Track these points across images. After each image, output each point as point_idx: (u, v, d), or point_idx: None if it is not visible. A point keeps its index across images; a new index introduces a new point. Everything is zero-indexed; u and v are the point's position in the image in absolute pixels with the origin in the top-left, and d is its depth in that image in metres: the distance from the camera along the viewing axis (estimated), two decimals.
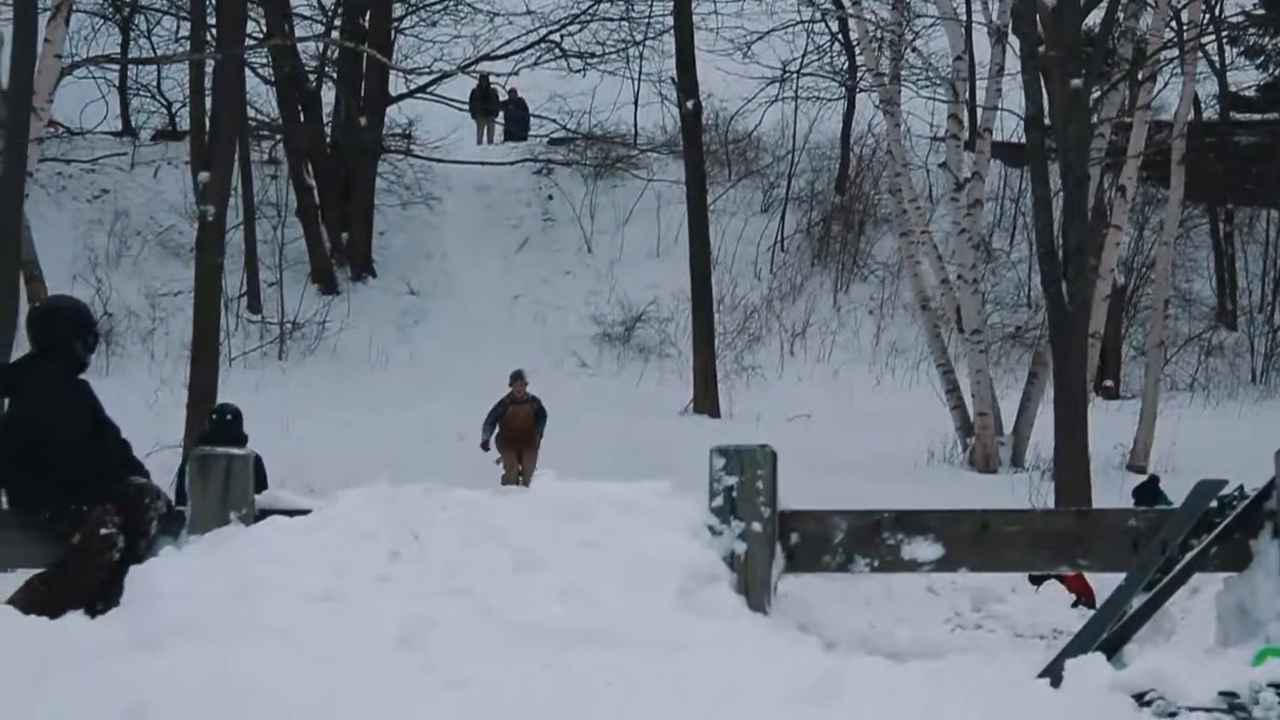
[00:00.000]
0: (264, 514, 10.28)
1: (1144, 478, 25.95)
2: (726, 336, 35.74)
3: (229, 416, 21.68)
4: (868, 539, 10.48)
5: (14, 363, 14.60)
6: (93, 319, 12.12)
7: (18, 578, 11.25)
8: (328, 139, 39.31)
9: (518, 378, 28.09)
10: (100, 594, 10.45)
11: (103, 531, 10.64)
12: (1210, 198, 40.22)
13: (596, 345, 36.48)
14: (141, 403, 23.91)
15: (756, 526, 10.00)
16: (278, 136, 39.28)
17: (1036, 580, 14.77)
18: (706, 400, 33.83)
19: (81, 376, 11.63)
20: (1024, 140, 32.16)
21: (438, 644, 8.31)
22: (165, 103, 43.90)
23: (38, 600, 10.32)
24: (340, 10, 39.07)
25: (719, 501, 10.05)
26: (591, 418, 28.72)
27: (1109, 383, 34.73)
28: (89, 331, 11.77)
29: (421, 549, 9.31)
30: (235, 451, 10.75)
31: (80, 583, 10.63)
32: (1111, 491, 26.28)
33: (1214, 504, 10.26)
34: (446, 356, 34.00)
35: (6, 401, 12.37)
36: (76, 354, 11.55)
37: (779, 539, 10.17)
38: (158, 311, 34.05)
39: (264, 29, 35.94)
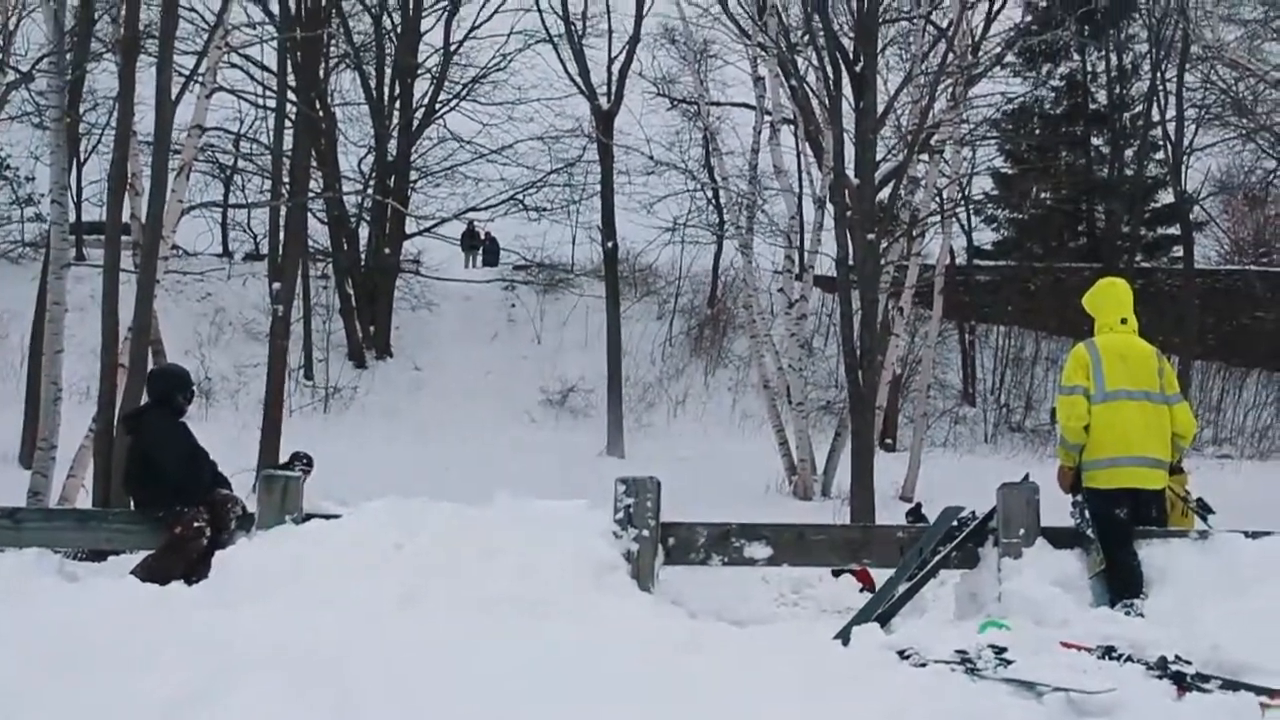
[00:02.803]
0: (309, 517, 10.27)
1: (911, 504, 25.93)
2: (630, 403, 35.65)
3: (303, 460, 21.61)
4: (721, 542, 10.49)
5: (136, 410, 14.66)
6: (189, 381, 12.29)
7: (137, 558, 11.22)
8: (362, 262, 39.24)
9: None
10: (194, 570, 10.43)
11: (195, 525, 10.71)
12: (959, 316, 40.34)
13: (542, 408, 36.32)
14: (228, 440, 23.69)
15: (645, 533, 10.00)
16: (328, 259, 39.16)
17: (836, 573, 14.74)
18: (616, 446, 33.88)
19: (182, 420, 11.77)
20: (835, 274, 32.19)
21: (426, 606, 8.31)
22: (252, 234, 43.73)
23: (150, 572, 10.38)
24: (374, 175, 38.98)
25: (620, 515, 10.04)
26: (537, 457, 28.63)
27: (889, 440, 34.73)
28: (186, 389, 12.06)
29: (417, 542, 9.31)
30: (290, 474, 10.79)
31: (179, 560, 10.70)
32: (888, 513, 26.31)
33: (955, 523, 10.30)
34: (440, 413, 33.84)
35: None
36: (177, 404, 11.74)
37: (660, 542, 10.17)
38: (241, 377, 33.84)
39: (321, 185, 35.85)
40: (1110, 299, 10.51)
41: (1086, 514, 10.02)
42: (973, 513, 10.39)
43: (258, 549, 9.64)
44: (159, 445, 11.54)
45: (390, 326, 39.12)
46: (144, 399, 14.84)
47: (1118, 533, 9.88)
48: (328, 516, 10.30)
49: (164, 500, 11.14)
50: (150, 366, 21.90)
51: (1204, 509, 11.35)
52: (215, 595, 8.68)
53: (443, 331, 40.06)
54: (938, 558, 10.13)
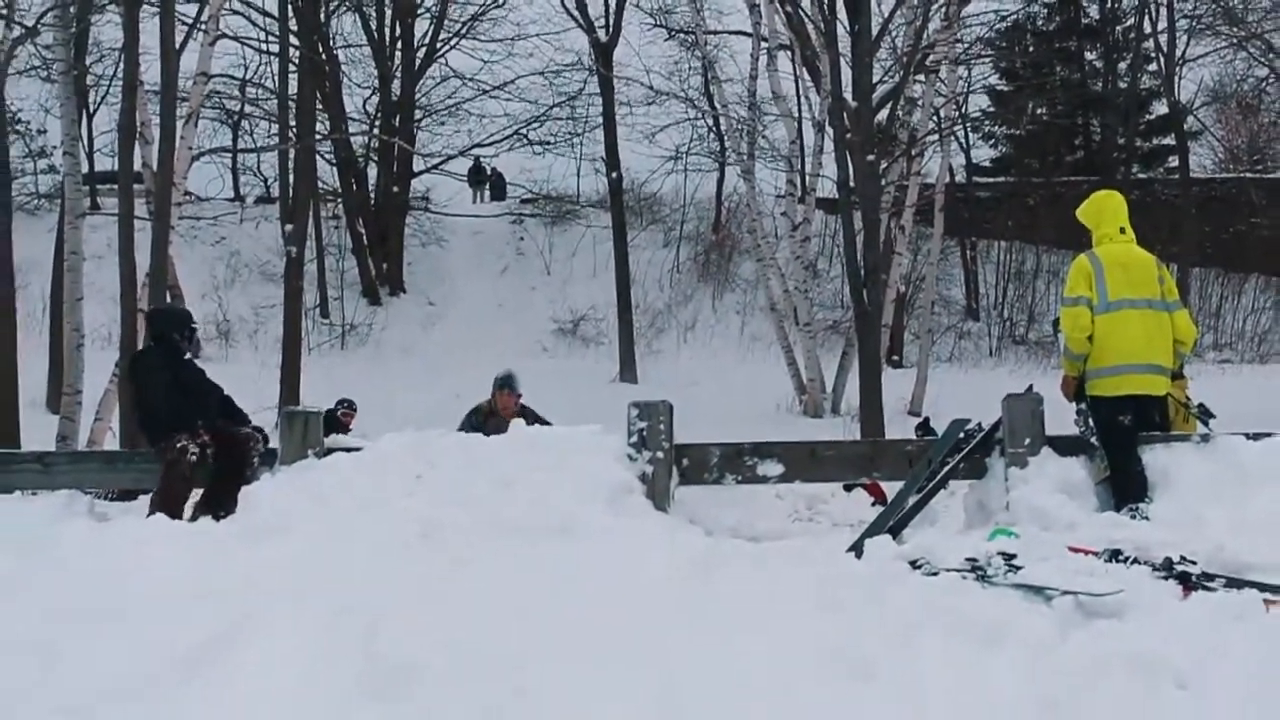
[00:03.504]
0: (330, 451, 10.31)
1: (920, 418, 25.97)
2: (641, 330, 35.65)
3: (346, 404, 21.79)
4: (734, 461, 10.51)
5: (136, 351, 14.77)
6: (185, 318, 12.23)
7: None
8: (372, 201, 39.20)
9: (506, 386, 15.62)
10: (215, 498, 10.54)
11: (178, 446, 10.69)
12: (960, 233, 40.30)
13: (554, 337, 36.40)
14: (250, 379, 23.74)
15: (659, 455, 10.05)
16: (339, 200, 39.14)
17: (848, 488, 14.77)
18: (628, 372, 33.90)
19: (186, 357, 11.78)
20: (837, 196, 32.15)
21: (446, 535, 8.35)
22: (262, 178, 43.86)
23: (157, 501, 10.47)
24: (380, 114, 38.87)
25: (634, 439, 10.08)
26: (551, 386, 28.57)
27: (895, 357, 34.75)
28: (182, 326, 11.96)
29: (435, 473, 9.34)
30: (310, 409, 10.80)
31: (176, 483, 10.71)
32: (897, 428, 26.38)
33: (962, 435, 10.32)
34: (453, 346, 33.88)
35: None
36: (173, 342, 11.72)
37: (674, 463, 10.21)
38: (259, 318, 33.89)
39: (328, 127, 35.78)
40: (1107, 210, 10.48)
41: (1090, 421, 10.03)
42: (979, 424, 10.41)
43: (281, 484, 9.68)
44: (146, 382, 11.62)
45: (403, 263, 39.13)
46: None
47: (1122, 439, 9.89)
48: (348, 449, 10.33)
49: (154, 433, 11.20)
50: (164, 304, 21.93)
51: (1205, 414, 11.35)
52: (242, 529, 8.70)
53: (454, 266, 40.08)
54: (946, 469, 10.16)
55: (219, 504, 10.35)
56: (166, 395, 11.25)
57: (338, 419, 20.95)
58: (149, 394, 11.52)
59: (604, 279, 36.31)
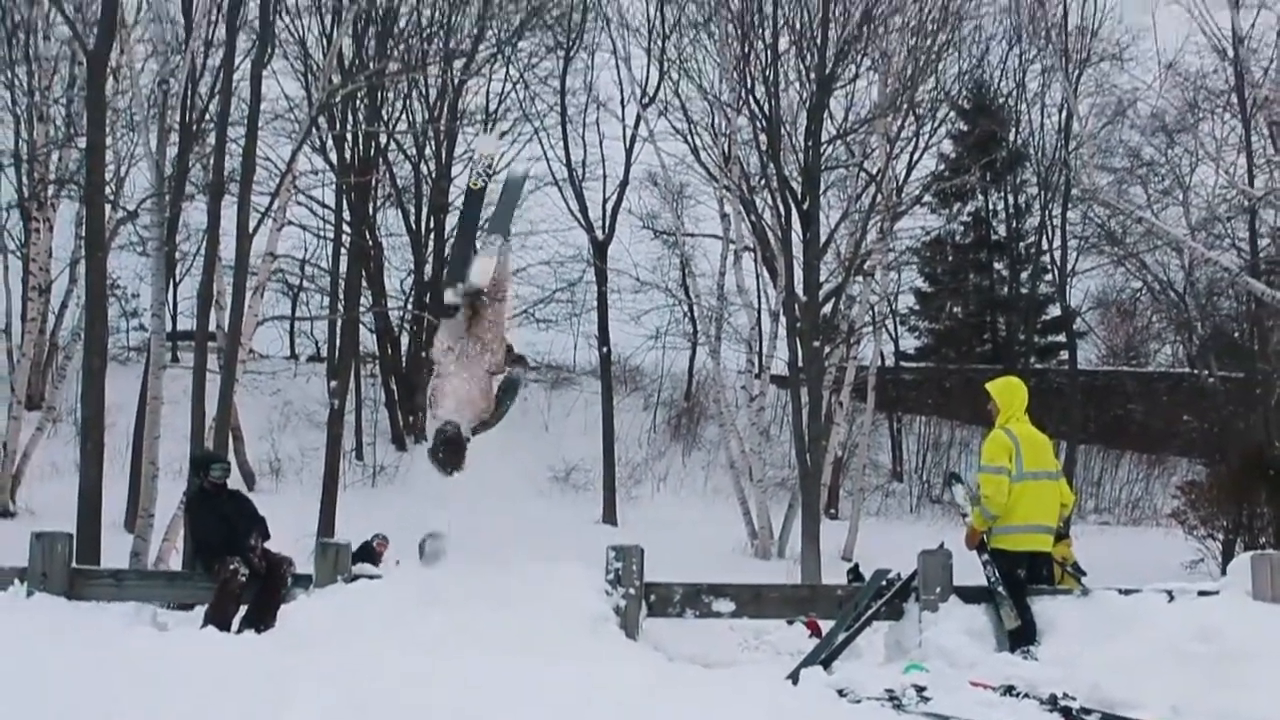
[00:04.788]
0: (356, 577, 10.24)
1: (851, 564, 25.88)
2: (621, 480, 35.52)
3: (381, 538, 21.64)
4: (693, 599, 10.44)
5: (193, 491, 14.96)
6: (205, 459, 12.52)
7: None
8: (404, 363, 39.23)
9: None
10: (257, 615, 10.42)
11: (231, 568, 10.58)
12: (889, 408, 40.37)
13: (549, 483, 36.19)
14: (296, 508, 23.64)
15: (631, 591, 9.97)
16: (376, 361, 39.16)
17: (790, 622, 14.67)
18: (609, 515, 33.79)
19: (233, 488, 11.93)
20: (788, 374, 32.27)
21: (452, 651, 8.24)
22: (314, 340, 43.81)
23: (210, 615, 10.38)
24: (414, 292, 39.00)
25: (610, 576, 10.01)
26: (545, 524, 28.48)
27: (832, 510, 34.60)
28: (201, 468, 12.17)
29: (443, 600, 9.25)
30: (340, 542, 10.74)
31: (226, 600, 10.61)
32: (833, 570, 26.23)
33: (884, 582, 10.26)
34: (466, 487, 33.44)
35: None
36: (197, 482, 12.11)
37: (644, 598, 10.13)
38: (305, 458, 33.63)
39: (371, 301, 35.94)
40: (1017, 396, 10.51)
41: (996, 571, 9.98)
42: (898, 574, 10.36)
43: (314, 604, 9.60)
44: (196, 517, 11.85)
45: (427, 415, 38.97)
46: None
47: (1018, 588, 9.86)
48: (371, 578, 10.26)
49: (206, 560, 11.17)
50: (229, 451, 21.97)
51: (1077, 571, 11.42)
52: (278, 641, 8.63)
53: None
54: (870, 611, 10.09)
55: (260, 619, 10.23)
56: (216, 527, 11.19)
57: (373, 549, 20.82)
58: (199, 526, 11.53)
59: (592, 435, 36.25)
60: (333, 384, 30.41)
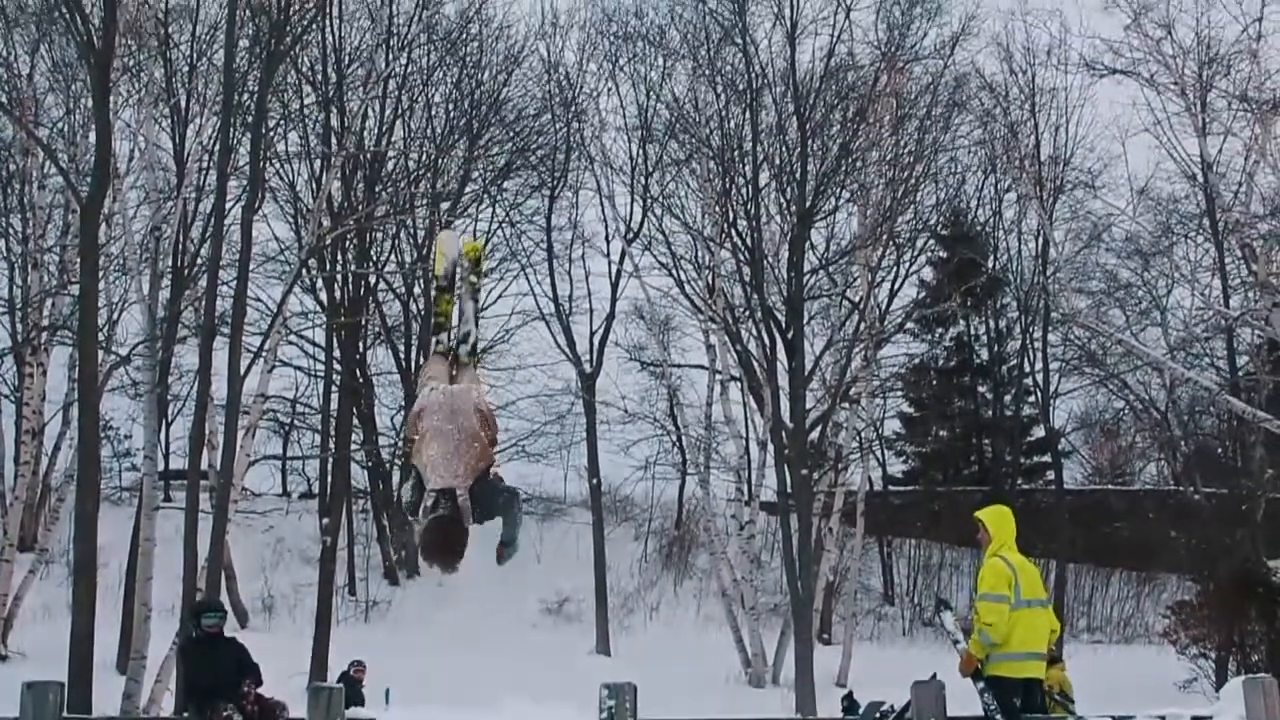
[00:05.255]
0: None
1: (845, 690, 25.59)
2: (614, 610, 35.27)
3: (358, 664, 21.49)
4: None
5: (185, 638, 14.98)
6: (197, 609, 12.50)
7: None
8: (395, 499, 39.01)
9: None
10: None
11: (224, 714, 10.48)
12: (878, 532, 40.20)
13: (542, 615, 35.91)
14: (287, 646, 23.41)
15: None
16: (367, 497, 38.98)
17: None
18: (603, 645, 33.50)
19: (230, 635, 11.87)
20: (777, 501, 32.22)
21: None
22: (306, 478, 43.67)
23: None
24: (404, 427, 38.94)
25: (605, 715, 9.88)
26: (538, 657, 28.22)
27: (825, 635, 34.31)
28: (194, 617, 12.37)
29: None
30: (332, 686, 10.63)
31: None
32: (827, 697, 26.01)
33: (878, 715, 10.15)
34: (459, 620, 33.35)
35: None
36: (190, 630, 12.45)
37: None
38: (298, 594, 33.40)
39: (361, 438, 35.89)
40: (1008, 524, 10.51)
41: (995, 700, 9.86)
42: (891, 706, 10.26)
43: None
44: (189, 663, 11.81)
45: (417, 553, 38.78)
46: None
47: (1014, 716, 9.78)
48: None
49: (206, 702, 11.08)
50: (221, 589, 21.83)
51: (1066, 699, 11.36)
52: None
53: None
54: None
55: None
56: (209, 673, 11.12)
57: (351, 677, 20.64)
58: (192, 672, 11.47)
59: (584, 566, 36.05)
60: (325, 521, 30.28)
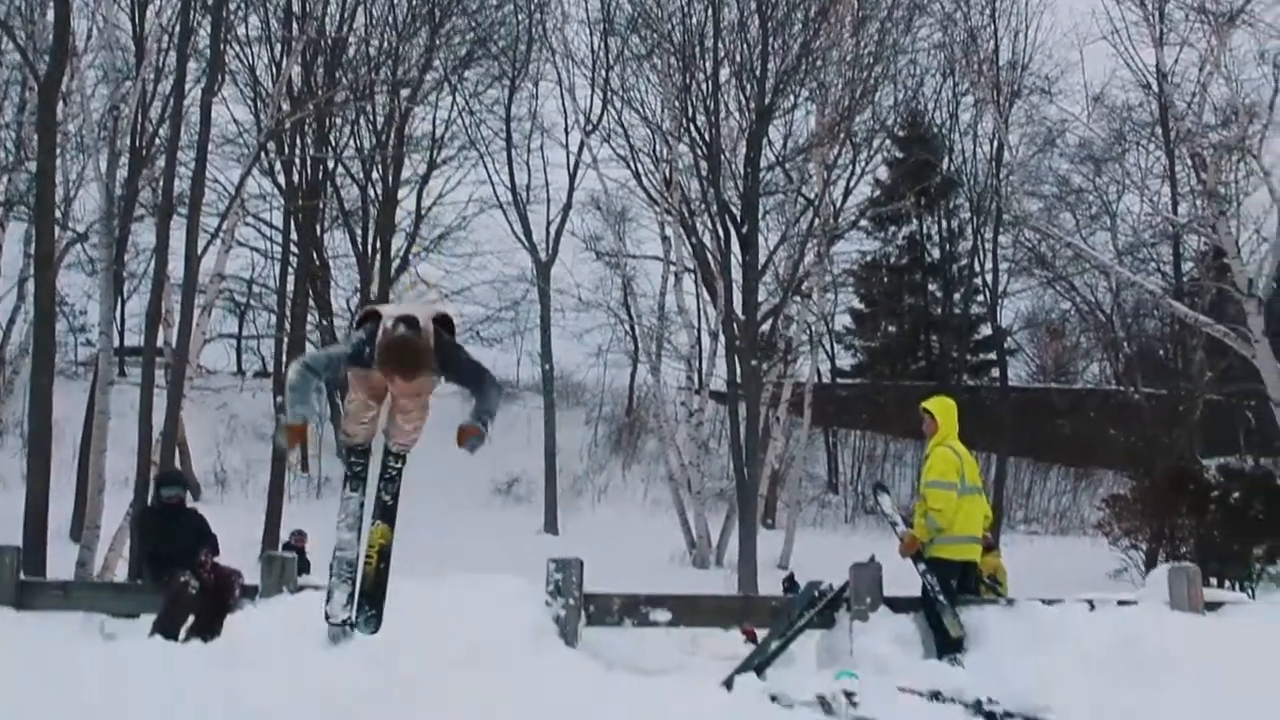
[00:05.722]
0: (301, 588, 10.22)
1: (786, 572, 25.95)
2: (563, 491, 35.58)
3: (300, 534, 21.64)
4: (631, 609, 10.47)
5: (145, 506, 14.94)
6: (159, 481, 12.50)
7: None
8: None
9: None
10: (204, 625, 10.38)
11: (182, 580, 10.55)
12: (824, 423, 40.60)
13: (493, 495, 36.14)
14: (240, 520, 23.49)
15: (571, 602, 9.99)
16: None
17: (726, 629, 14.71)
18: (551, 525, 33.84)
19: (190, 506, 11.94)
20: (726, 391, 32.44)
21: (399, 662, 8.23)
22: (260, 356, 43.61)
23: (158, 624, 10.32)
24: (359, 310, 38.81)
25: (551, 587, 10.03)
26: (488, 535, 28.47)
27: (769, 520, 34.70)
28: (158, 489, 12.30)
29: (387, 609, 9.25)
30: (285, 555, 10.76)
31: (173, 608, 10.55)
32: (768, 578, 26.37)
33: (816, 593, 10.34)
34: (411, 499, 33.35)
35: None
36: (155, 499, 12.35)
37: (583, 608, 10.16)
38: (250, 470, 33.48)
39: (317, 318, 35.84)
40: (954, 415, 10.68)
41: (936, 581, 10.07)
42: (830, 585, 10.44)
43: (260, 615, 9.57)
44: (150, 531, 11.80)
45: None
46: None
47: (952, 597, 10.00)
48: (316, 588, 10.23)
49: (155, 574, 11.17)
50: (175, 464, 21.91)
51: (995, 584, 11.62)
52: (227, 652, 8.58)
53: None
54: (803, 621, 10.17)
55: (208, 629, 10.19)
56: (167, 541, 11.19)
57: (293, 545, 20.90)
58: (150, 540, 11.51)
59: (535, 449, 36.28)
60: (279, 399, 30.26)
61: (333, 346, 7.54)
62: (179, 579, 10.63)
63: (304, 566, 11.36)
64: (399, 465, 7.73)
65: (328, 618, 7.10)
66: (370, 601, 7.11)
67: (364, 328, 7.26)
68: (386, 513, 7.39)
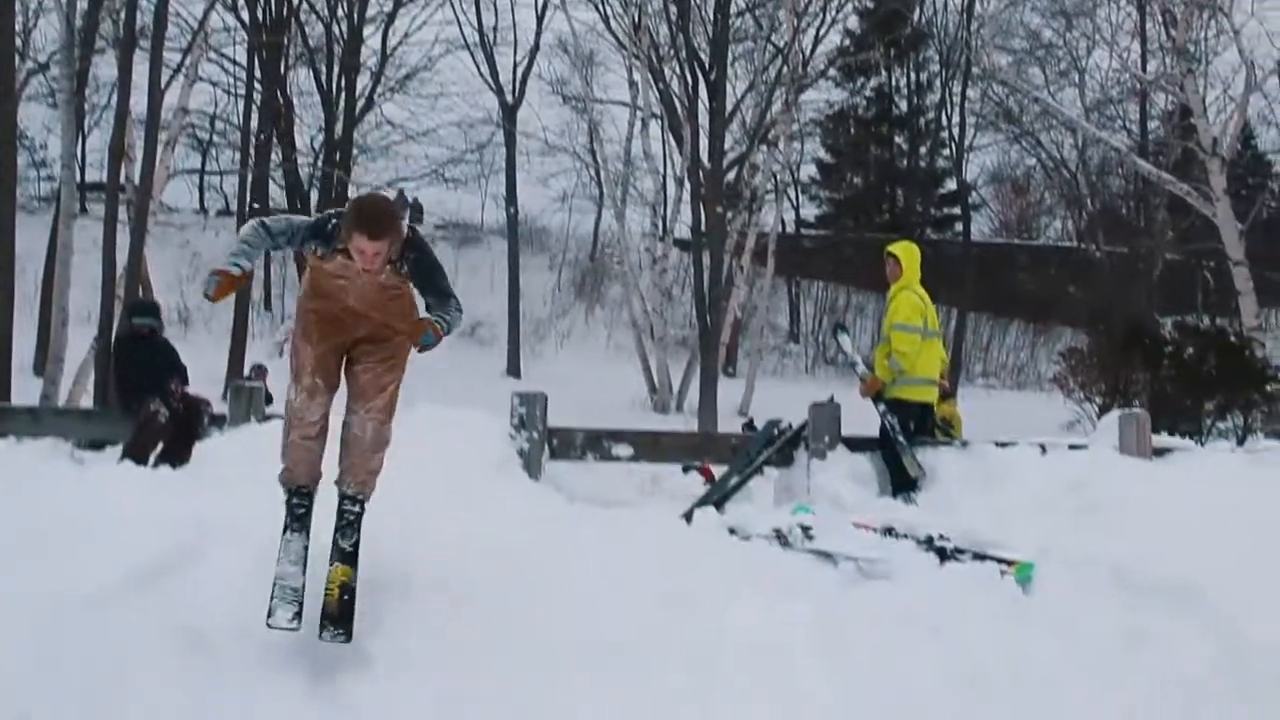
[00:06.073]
0: (269, 418, 10.33)
1: (746, 419, 26.22)
2: (526, 336, 35.78)
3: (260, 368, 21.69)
4: (594, 443, 10.65)
5: (120, 335, 14.91)
6: (132, 310, 12.48)
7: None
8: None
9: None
10: (162, 443, 10.51)
11: (152, 408, 10.65)
12: (788, 273, 40.73)
13: (455, 338, 35.67)
14: (204, 357, 23.54)
15: (535, 435, 10.15)
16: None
17: (686, 469, 14.97)
18: (514, 369, 34.04)
19: (150, 338, 11.91)
20: (691, 238, 32.46)
21: None
22: (223, 195, 43.38)
23: (128, 450, 10.43)
24: (323, 150, 38.48)
25: (515, 421, 10.17)
26: (451, 377, 28.53)
27: (730, 368, 34.99)
28: (129, 318, 12.48)
29: None
30: (254, 384, 10.84)
31: (143, 435, 10.67)
32: (728, 425, 26.58)
33: (775, 432, 10.53)
34: None
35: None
36: (125, 328, 12.65)
37: (546, 442, 10.32)
38: (214, 308, 33.36)
39: (280, 157, 35.48)
40: (918, 260, 10.83)
41: (896, 421, 10.26)
42: (789, 424, 10.62)
43: (228, 443, 9.69)
44: (125, 358, 11.81)
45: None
46: None
47: (911, 435, 10.22)
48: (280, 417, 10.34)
49: (127, 401, 11.25)
50: (139, 298, 21.83)
51: (945, 427, 11.82)
52: (194, 477, 8.70)
53: None
54: (762, 458, 10.36)
55: (177, 456, 10.32)
56: (139, 369, 11.26)
57: (253, 380, 21.05)
58: (122, 367, 11.56)
59: (498, 293, 36.35)
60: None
61: (297, 216, 6.78)
62: (149, 407, 10.73)
63: (266, 400, 11.45)
64: (357, 509, 6.40)
65: (269, 624, 5.94)
66: (335, 623, 5.98)
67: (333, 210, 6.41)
68: (347, 558, 6.19)
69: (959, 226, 42.57)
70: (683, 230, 36.05)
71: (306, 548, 6.18)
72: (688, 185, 33.07)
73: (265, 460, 8.51)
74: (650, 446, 10.96)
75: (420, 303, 6.58)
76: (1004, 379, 39.35)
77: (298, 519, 6.28)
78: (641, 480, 14.44)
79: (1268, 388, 20.52)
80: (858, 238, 41.51)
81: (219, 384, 23.52)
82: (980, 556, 7.64)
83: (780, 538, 7.85)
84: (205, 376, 20.38)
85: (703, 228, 30.30)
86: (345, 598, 6.04)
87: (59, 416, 12.34)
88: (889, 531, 8.07)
